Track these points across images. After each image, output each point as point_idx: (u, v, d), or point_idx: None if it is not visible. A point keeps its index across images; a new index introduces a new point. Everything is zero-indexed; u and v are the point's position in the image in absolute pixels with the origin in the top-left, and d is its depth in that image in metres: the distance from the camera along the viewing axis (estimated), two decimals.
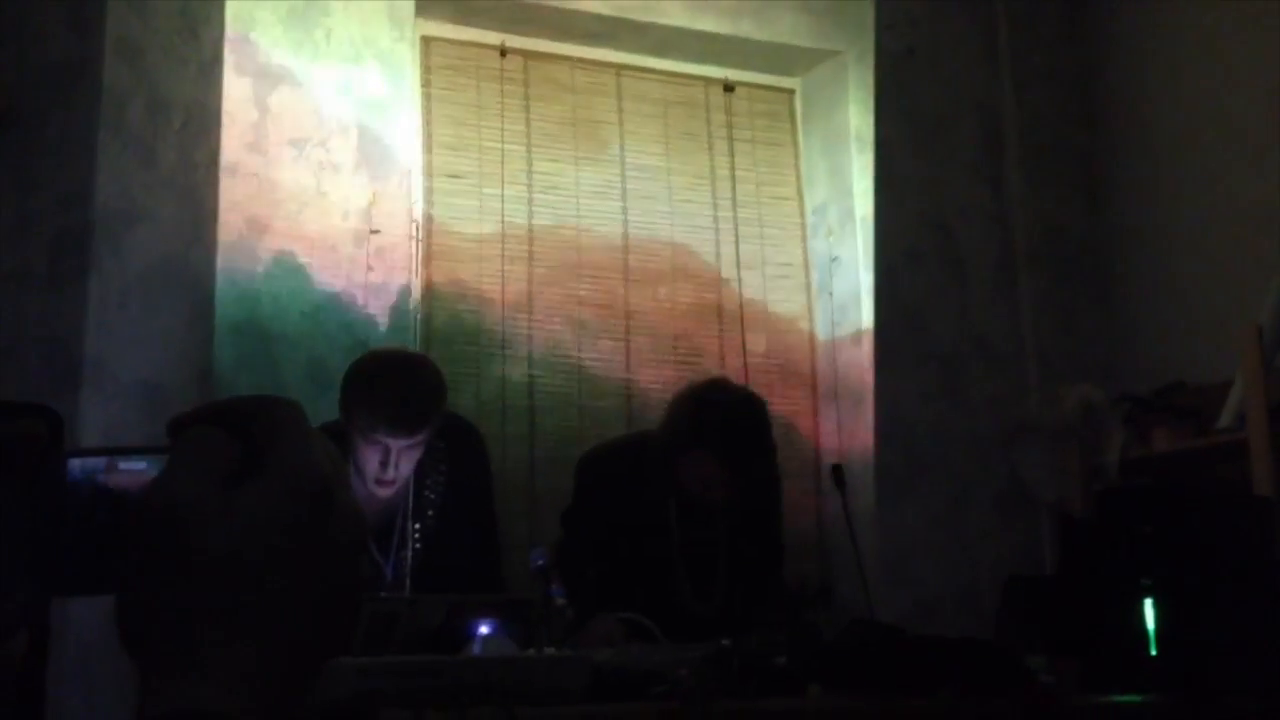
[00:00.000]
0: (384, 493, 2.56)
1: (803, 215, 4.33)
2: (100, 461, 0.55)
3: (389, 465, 2.53)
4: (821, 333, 4.22)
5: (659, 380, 3.87)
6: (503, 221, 3.87)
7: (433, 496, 2.66)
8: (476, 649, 2.04)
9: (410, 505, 2.62)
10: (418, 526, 2.63)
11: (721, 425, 2.63)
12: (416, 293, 3.67)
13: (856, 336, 4.10)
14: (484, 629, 2.08)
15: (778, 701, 1.85)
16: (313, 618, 0.50)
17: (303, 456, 0.51)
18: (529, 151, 3.97)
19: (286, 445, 0.52)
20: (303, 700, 0.50)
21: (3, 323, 2.98)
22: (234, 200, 3.44)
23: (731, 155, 4.25)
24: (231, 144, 3.46)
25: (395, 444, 2.51)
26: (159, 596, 0.48)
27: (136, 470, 0.54)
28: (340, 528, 0.51)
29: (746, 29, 4.13)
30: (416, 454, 2.57)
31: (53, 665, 2.51)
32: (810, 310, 4.25)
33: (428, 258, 3.75)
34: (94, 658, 2.73)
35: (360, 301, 3.52)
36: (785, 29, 4.18)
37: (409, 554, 2.61)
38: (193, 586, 0.48)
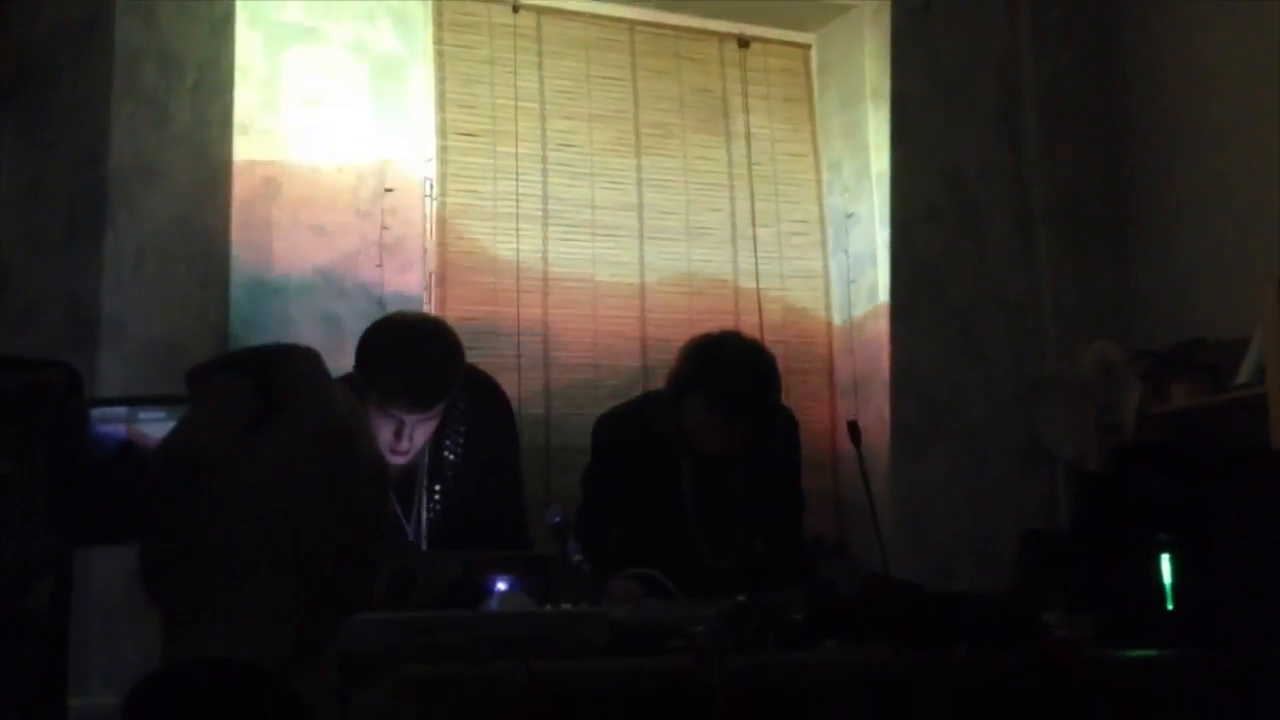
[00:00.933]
0: (399, 460, 2.55)
1: (818, 172, 4.30)
2: (120, 412, 0.55)
3: (403, 436, 2.50)
4: (837, 290, 4.21)
5: (674, 337, 3.86)
6: (517, 179, 3.86)
7: (451, 458, 2.64)
8: (493, 605, 2.05)
9: (428, 467, 2.61)
10: (437, 488, 2.63)
11: (720, 371, 2.63)
12: (431, 250, 3.67)
13: (872, 293, 4.08)
14: (501, 585, 2.09)
15: (794, 656, 1.86)
16: (334, 564, 0.50)
17: (322, 403, 0.51)
18: (542, 109, 3.94)
19: (306, 392, 0.51)
20: (325, 646, 0.50)
21: (22, 282, 2.99)
22: (247, 159, 3.44)
23: (746, 112, 4.22)
24: (244, 102, 3.45)
25: (409, 418, 2.50)
26: (180, 543, 0.49)
27: (156, 420, 0.54)
28: (361, 474, 0.51)
29: None
30: (432, 424, 2.55)
31: (76, 621, 2.53)
32: (826, 267, 4.24)
33: (442, 216, 3.74)
34: (117, 614, 2.76)
35: (374, 259, 3.52)
36: None
37: (428, 516, 2.61)
38: (213, 533, 0.48)
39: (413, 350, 2.51)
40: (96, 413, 0.54)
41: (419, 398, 2.48)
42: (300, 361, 0.52)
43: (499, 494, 2.68)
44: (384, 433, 2.50)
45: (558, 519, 2.34)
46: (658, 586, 2.31)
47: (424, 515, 2.60)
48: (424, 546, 2.57)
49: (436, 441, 2.60)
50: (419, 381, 2.47)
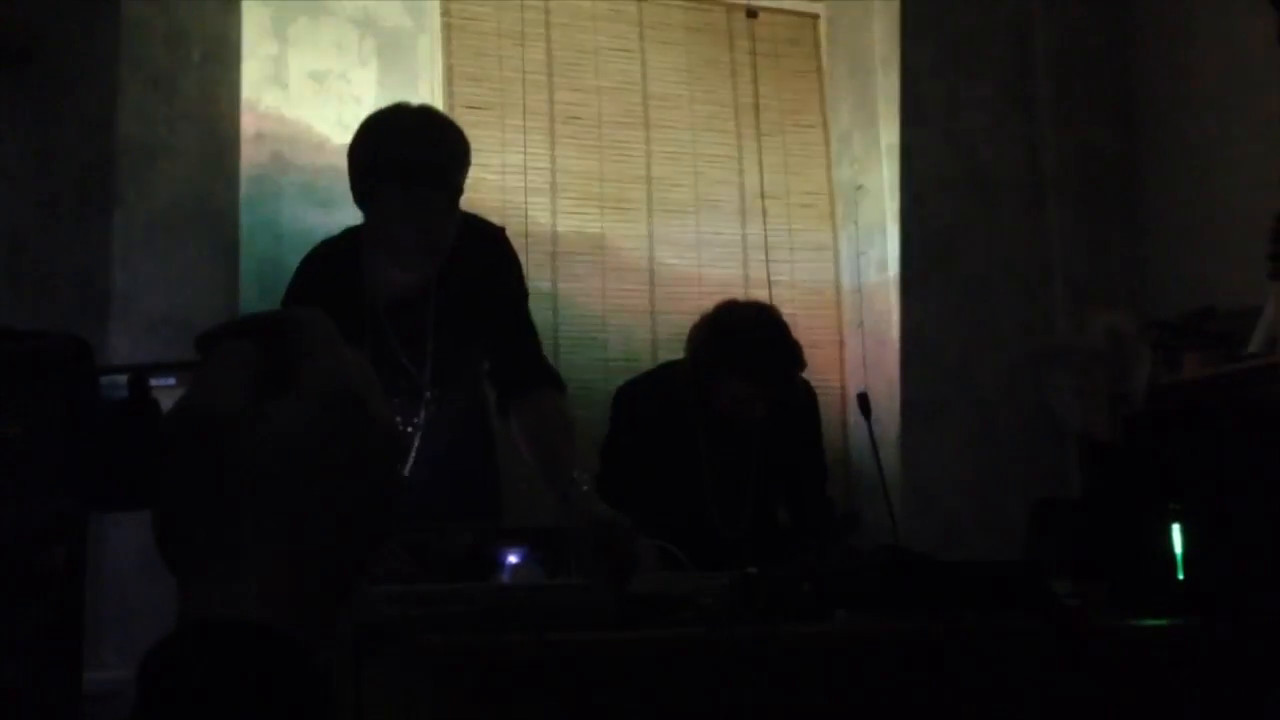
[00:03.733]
0: (428, 267, 2.33)
1: (827, 143, 4.28)
2: (131, 378, 0.55)
3: (424, 231, 2.26)
4: (846, 262, 4.19)
5: (683, 310, 3.86)
6: (525, 152, 3.85)
7: (458, 298, 2.42)
8: (505, 577, 2.06)
9: (434, 309, 2.41)
10: (447, 348, 2.43)
11: (741, 343, 2.65)
12: None
13: (882, 265, 4.07)
14: (512, 557, 2.10)
15: (804, 626, 1.87)
16: (345, 528, 0.50)
17: (334, 368, 0.51)
18: (550, 81, 3.93)
19: (317, 356, 0.52)
20: (337, 609, 0.50)
21: (32, 256, 3.00)
22: (256, 134, 3.43)
23: (755, 83, 4.20)
24: (252, 77, 3.45)
25: (427, 195, 2.26)
26: (194, 506, 0.49)
27: (167, 386, 0.54)
28: (373, 439, 0.51)
29: None
30: (450, 225, 2.30)
31: (90, 592, 2.55)
32: (835, 239, 4.23)
33: None
34: (130, 585, 2.78)
35: None
36: None
37: (434, 361, 2.42)
38: (226, 497, 0.48)
39: (431, 123, 2.33)
40: (107, 379, 0.55)
41: (441, 167, 2.26)
42: (312, 326, 0.53)
43: (515, 326, 2.52)
44: (407, 236, 2.27)
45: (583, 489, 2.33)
46: (670, 558, 2.32)
47: (429, 350, 2.41)
48: (429, 390, 2.40)
49: (441, 281, 2.39)
50: (429, 143, 2.27)
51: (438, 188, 2.27)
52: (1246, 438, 2.25)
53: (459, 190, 2.32)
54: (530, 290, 3.71)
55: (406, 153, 2.26)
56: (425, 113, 2.38)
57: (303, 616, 0.48)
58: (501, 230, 2.57)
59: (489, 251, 2.49)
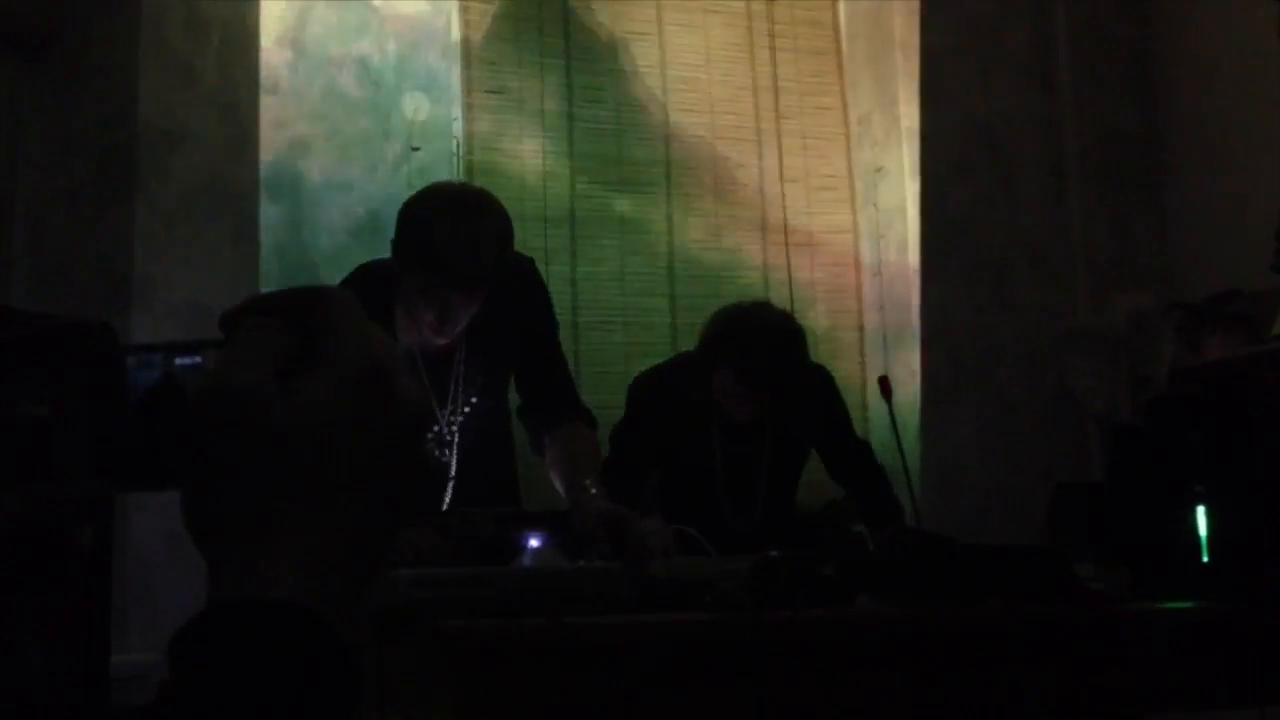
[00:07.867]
0: (441, 342, 2.38)
1: (847, 126, 4.26)
2: (156, 358, 0.55)
3: (448, 320, 2.32)
4: (866, 244, 4.18)
5: (702, 292, 3.85)
6: (544, 136, 3.84)
7: (492, 342, 2.47)
8: (526, 561, 2.06)
9: (464, 354, 2.46)
10: (475, 387, 2.48)
11: (742, 343, 2.64)
12: None
13: (902, 247, 4.05)
14: (533, 542, 2.10)
15: (826, 611, 1.86)
16: (375, 503, 0.50)
17: (360, 344, 0.51)
18: (568, 64, 3.92)
19: (343, 333, 0.51)
20: (366, 586, 0.50)
21: (54, 242, 3.02)
22: (275, 119, 3.44)
23: (774, 65, 4.18)
24: (270, 62, 3.45)
25: (459, 298, 2.31)
26: (222, 485, 0.49)
27: (192, 364, 0.54)
28: (400, 416, 0.51)
29: None
30: (477, 305, 2.35)
31: (116, 576, 2.57)
32: (855, 222, 4.21)
33: (469, 173, 3.73)
34: (156, 571, 2.80)
35: None
36: None
37: (463, 410, 2.47)
38: (255, 474, 0.48)
39: (461, 222, 2.28)
40: (133, 358, 0.55)
41: (470, 275, 2.28)
42: (336, 303, 0.52)
43: (546, 361, 2.55)
44: (427, 316, 2.32)
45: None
46: (690, 542, 2.32)
47: (457, 405, 2.46)
48: (455, 444, 2.46)
49: (475, 328, 2.41)
50: (469, 257, 2.26)
51: (474, 297, 2.32)
52: (1270, 420, 2.24)
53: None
54: (549, 272, 3.74)
55: (444, 277, 2.28)
56: (474, 223, 2.31)
57: (332, 594, 0.47)
58: (530, 262, 2.59)
59: (518, 286, 2.50)
